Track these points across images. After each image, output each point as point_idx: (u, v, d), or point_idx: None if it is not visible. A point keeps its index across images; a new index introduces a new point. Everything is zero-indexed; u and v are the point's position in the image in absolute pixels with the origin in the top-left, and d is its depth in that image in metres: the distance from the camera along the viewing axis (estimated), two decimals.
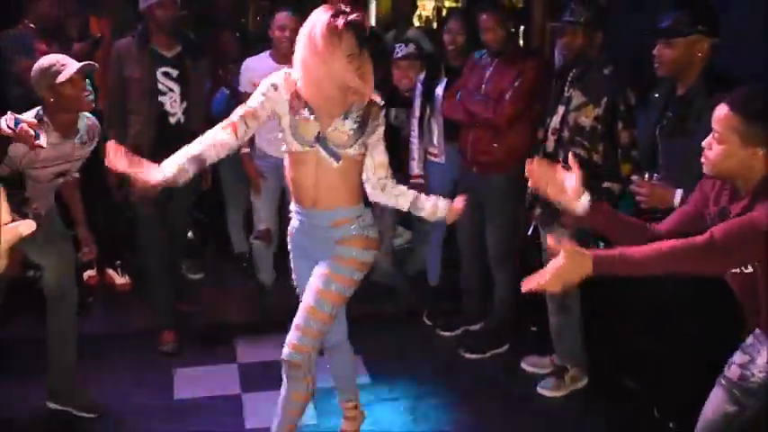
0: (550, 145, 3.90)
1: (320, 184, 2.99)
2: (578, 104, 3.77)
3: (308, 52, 2.81)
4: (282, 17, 4.47)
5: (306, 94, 2.89)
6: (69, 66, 3.40)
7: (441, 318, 4.89)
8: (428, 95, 4.72)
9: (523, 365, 4.37)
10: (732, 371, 2.71)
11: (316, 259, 3.11)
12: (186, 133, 4.17)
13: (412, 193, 3.20)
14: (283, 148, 3.03)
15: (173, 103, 4.37)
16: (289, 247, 3.24)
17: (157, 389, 4.15)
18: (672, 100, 3.31)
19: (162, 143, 4.08)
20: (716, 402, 2.73)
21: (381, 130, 3.07)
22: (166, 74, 4.34)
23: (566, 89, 3.85)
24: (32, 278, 4.03)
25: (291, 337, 3.04)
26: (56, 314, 3.76)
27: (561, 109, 3.85)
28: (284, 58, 4.02)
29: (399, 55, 4.83)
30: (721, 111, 2.47)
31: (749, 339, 2.72)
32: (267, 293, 5.00)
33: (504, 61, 4.26)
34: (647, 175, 3.14)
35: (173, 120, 4.38)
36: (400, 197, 3.20)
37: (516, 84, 4.17)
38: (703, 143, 2.53)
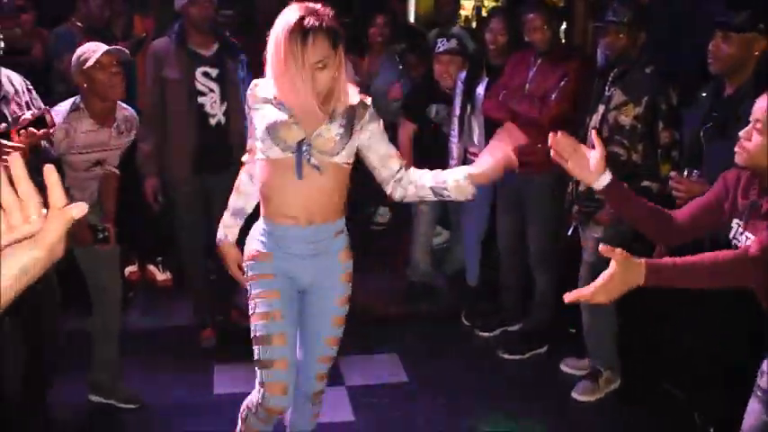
0: (590, 143, 3.86)
1: (311, 195, 2.68)
2: (618, 103, 3.76)
3: (275, 58, 2.56)
4: None
5: (284, 100, 2.63)
6: (97, 51, 3.48)
7: (479, 318, 4.89)
8: (469, 94, 4.73)
9: (562, 367, 4.36)
10: (765, 381, 2.64)
11: (309, 283, 2.82)
12: (227, 134, 4.23)
13: (429, 172, 2.86)
14: (259, 155, 2.72)
15: (213, 104, 4.27)
16: (258, 272, 2.80)
17: (197, 384, 4.20)
18: (718, 100, 3.28)
19: (203, 145, 4.19)
20: (754, 415, 2.67)
21: (375, 126, 2.77)
22: (206, 74, 4.27)
23: (606, 88, 3.84)
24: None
25: (323, 368, 2.92)
26: (101, 309, 3.82)
27: (601, 108, 3.83)
28: None
29: (441, 49, 4.83)
30: (765, 102, 2.42)
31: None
32: None
33: (549, 61, 4.26)
34: (685, 172, 3.14)
35: (213, 121, 4.29)
36: (422, 179, 2.84)
37: (562, 84, 4.17)
38: (741, 133, 2.47)
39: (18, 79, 3.19)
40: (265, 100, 2.67)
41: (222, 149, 4.22)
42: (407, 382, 4.22)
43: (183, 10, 4.19)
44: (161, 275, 5.42)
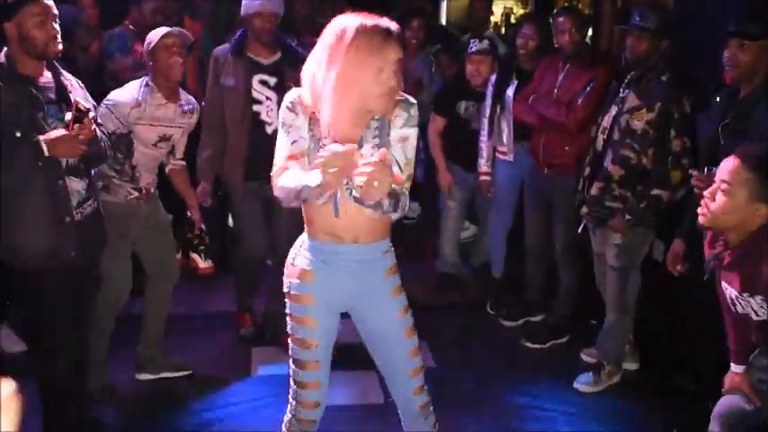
0: (600, 144, 3.97)
1: (354, 217, 2.57)
2: (632, 107, 3.80)
3: (341, 61, 2.39)
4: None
5: (326, 116, 2.45)
6: (162, 31, 3.78)
7: (504, 308, 5.09)
8: (499, 96, 4.86)
9: (583, 356, 4.52)
10: (752, 373, 2.83)
11: (352, 302, 2.75)
12: None
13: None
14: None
15: (269, 112, 4.21)
16: (298, 292, 2.70)
17: (236, 366, 4.40)
18: (733, 101, 3.34)
19: (257, 153, 4.06)
20: (735, 400, 2.85)
21: (405, 131, 2.58)
22: (263, 82, 4.23)
23: (621, 90, 3.90)
24: None
25: (418, 382, 2.82)
26: (155, 293, 4.08)
27: (614, 109, 3.89)
28: None
29: (473, 50, 4.96)
30: (733, 163, 2.51)
31: None
32: None
33: (576, 67, 4.38)
34: (706, 170, 3.19)
35: (269, 129, 4.21)
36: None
37: (588, 89, 4.28)
38: (705, 192, 2.60)
39: (70, 77, 3.32)
40: (306, 113, 2.53)
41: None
42: (435, 367, 4.37)
43: (248, 19, 4.16)
44: (203, 263, 5.62)
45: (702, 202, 2.61)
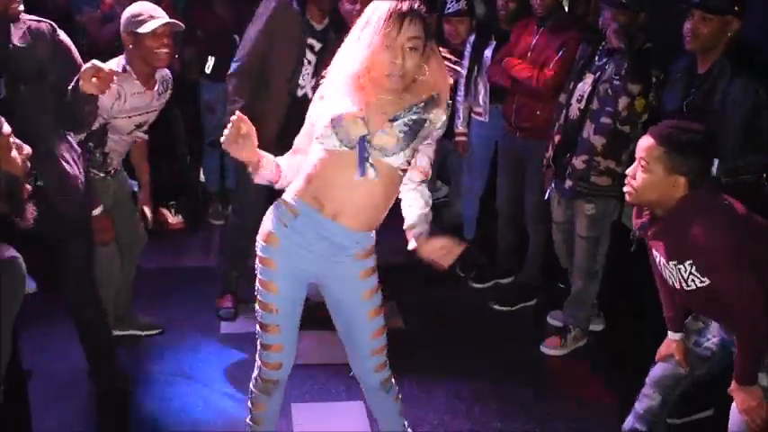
0: (574, 112, 3.96)
1: (356, 195, 2.55)
2: (609, 77, 3.81)
3: (369, 38, 2.46)
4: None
5: (360, 86, 2.49)
6: (155, 20, 3.52)
7: (474, 270, 5.12)
8: (477, 57, 4.84)
9: (549, 319, 4.59)
10: (689, 337, 2.95)
11: (317, 276, 2.74)
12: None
13: (417, 214, 2.70)
14: (317, 140, 2.57)
15: (305, 76, 4.15)
16: (265, 255, 2.70)
17: (205, 322, 4.42)
18: (693, 77, 3.39)
19: (288, 114, 4.03)
20: (667, 366, 2.97)
21: (436, 134, 2.63)
22: (310, 46, 4.13)
23: (596, 58, 3.90)
24: None
25: (379, 360, 2.83)
26: (126, 258, 4.05)
27: (590, 77, 3.90)
28: None
29: (450, 10, 4.92)
30: (647, 141, 2.67)
31: None
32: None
33: (550, 31, 4.36)
34: None
35: (300, 92, 4.16)
36: (409, 209, 2.72)
37: (560, 53, 4.26)
38: (627, 171, 2.74)
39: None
40: (335, 89, 2.54)
41: (300, 123, 4.10)
42: (403, 328, 4.43)
43: None
44: (173, 219, 5.61)
45: (626, 181, 2.74)
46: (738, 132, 3.28)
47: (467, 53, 4.91)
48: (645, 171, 2.66)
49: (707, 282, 2.62)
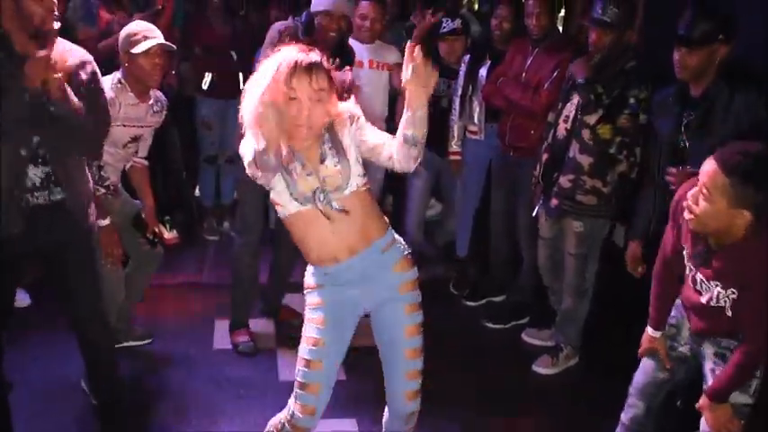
0: (561, 132, 3.97)
1: (345, 231, 2.69)
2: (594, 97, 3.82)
3: (280, 96, 2.54)
4: (364, 6, 4.74)
5: (290, 144, 2.60)
6: (149, 40, 3.67)
7: (466, 288, 5.14)
8: (472, 76, 4.86)
9: (524, 337, 4.64)
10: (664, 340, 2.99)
11: (368, 304, 2.83)
12: None
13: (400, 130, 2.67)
14: (281, 213, 2.72)
15: None
16: (314, 299, 2.81)
17: (198, 338, 4.44)
18: (687, 101, 3.34)
19: None
20: (648, 370, 3.02)
21: (354, 127, 2.69)
22: None
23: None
24: None
25: (412, 386, 2.89)
26: (136, 276, 4.16)
27: (576, 98, 3.90)
28: (364, 39, 4.73)
29: (445, 30, 4.95)
30: (710, 167, 2.46)
31: (672, 311, 2.99)
32: None
33: (545, 51, 4.38)
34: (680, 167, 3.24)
35: None
36: (397, 140, 2.67)
37: (555, 74, 4.28)
38: (688, 195, 2.58)
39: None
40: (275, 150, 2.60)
41: None
42: None
43: (315, 16, 4.03)
44: (168, 234, 5.61)
45: (686, 205, 2.59)
46: None
47: (461, 72, 4.94)
48: (707, 200, 2.47)
49: (736, 296, 2.60)
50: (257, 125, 2.55)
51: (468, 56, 4.92)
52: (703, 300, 2.72)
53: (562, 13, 5.80)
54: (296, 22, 4.08)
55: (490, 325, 4.78)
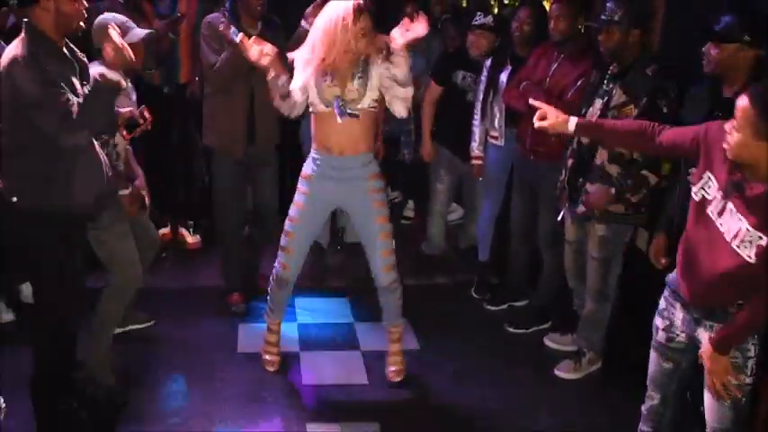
0: (586, 138, 3.92)
1: (345, 134, 3.72)
2: (618, 103, 3.79)
3: (335, 29, 3.53)
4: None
5: (328, 64, 3.61)
6: (130, 33, 3.77)
7: (488, 292, 5.14)
8: (493, 80, 4.86)
9: (546, 341, 4.63)
10: (660, 335, 3.07)
11: (341, 201, 3.93)
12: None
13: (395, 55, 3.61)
14: (311, 109, 3.76)
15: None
16: (303, 188, 3.88)
17: (221, 341, 4.47)
18: (717, 100, 3.31)
19: (251, 107, 4.55)
20: (655, 363, 3.13)
21: (381, 65, 3.65)
22: None
23: (605, 83, 3.88)
24: None
25: (388, 261, 3.91)
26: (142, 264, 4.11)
27: (599, 102, 3.87)
28: None
29: (477, 22, 4.94)
30: (742, 101, 2.55)
31: (662, 303, 3.06)
32: (324, 256, 5.37)
33: (569, 58, 4.34)
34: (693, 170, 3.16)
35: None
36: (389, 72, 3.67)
37: (579, 83, 4.23)
38: (726, 126, 2.63)
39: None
40: (307, 63, 3.68)
41: (258, 123, 4.57)
42: (418, 349, 4.46)
43: None
44: (191, 238, 5.68)
45: (725, 137, 2.64)
46: None
47: (483, 77, 4.94)
48: (737, 130, 2.57)
49: (765, 242, 2.59)
50: (324, 43, 3.57)
51: (490, 60, 4.92)
52: (727, 236, 2.69)
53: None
54: (222, 11, 4.50)
55: (512, 330, 4.78)
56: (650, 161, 3.78)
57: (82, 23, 3.24)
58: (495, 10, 7.36)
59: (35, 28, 3.12)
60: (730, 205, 2.70)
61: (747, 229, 2.63)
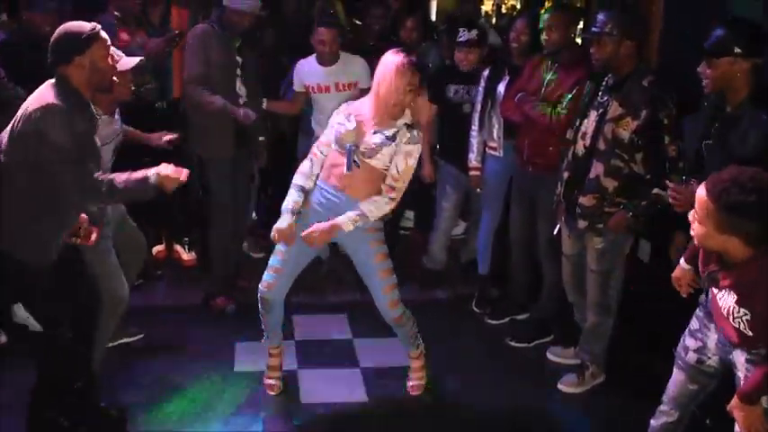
0: (580, 148, 3.90)
1: (348, 176, 3.68)
2: (615, 116, 3.74)
3: (383, 84, 3.62)
4: (321, 32, 4.93)
5: (372, 111, 3.68)
6: (121, 62, 3.68)
7: (489, 306, 5.09)
8: (490, 92, 4.83)
9: (548, 355, 4.58)
10: (690, 356, 2.98)
11: (338, 235, 3.76)
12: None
13: (358, 214, 3.63)
14: (332, 145, 3.77)
15: (240, 87, 4.78)
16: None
17: (218, 360, 4.40)
18: (721, 114, 3.25)
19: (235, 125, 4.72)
20: (679, 384, 3.05)
21: (410, 149, 3.66)
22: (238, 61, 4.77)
23: (600, 95, 3.85)
24: None
25: (391, 297, 3.85)
26: (132, 269, 4.15)
27: (593, 114, 3.84)
28: (326, 62, 5.00)
29: (462, 39, 4.93)
30: (701, 194, 2.53)
31: (694, 323, 2.99)
32: (322, 270, 5.33)
33: (564, 68, 4.32)
34: (683, 179, 3.22)
35: (241, 101, 4.77)
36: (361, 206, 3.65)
37: (574, 92, 4.21)
38: (689, 215, 2.63)
39: None
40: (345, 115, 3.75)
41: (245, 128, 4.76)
42: None
43: (228, 12, 4.59)
44: (186, 255, 5.61)
45: (691, 225, 2.64)
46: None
47: (480, 88, 4.90)
48: (699, 222, 2.56)
49: (749, 317, 2.61)
50: (386, 94, 3.63)
51: (487, 71, 4.88)
52: (724, 311, 2.71)
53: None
54: (210, 23, 4.67)
55: (514, 343, 4.72)
56: (658, 177, 3.66)
57: (115, 78, 3.27)
58: (494, 19, 7.37)
59: (69, 84, 3.10)
60: (716, 290, 2.74)
61: (735, 306, 2.65)
